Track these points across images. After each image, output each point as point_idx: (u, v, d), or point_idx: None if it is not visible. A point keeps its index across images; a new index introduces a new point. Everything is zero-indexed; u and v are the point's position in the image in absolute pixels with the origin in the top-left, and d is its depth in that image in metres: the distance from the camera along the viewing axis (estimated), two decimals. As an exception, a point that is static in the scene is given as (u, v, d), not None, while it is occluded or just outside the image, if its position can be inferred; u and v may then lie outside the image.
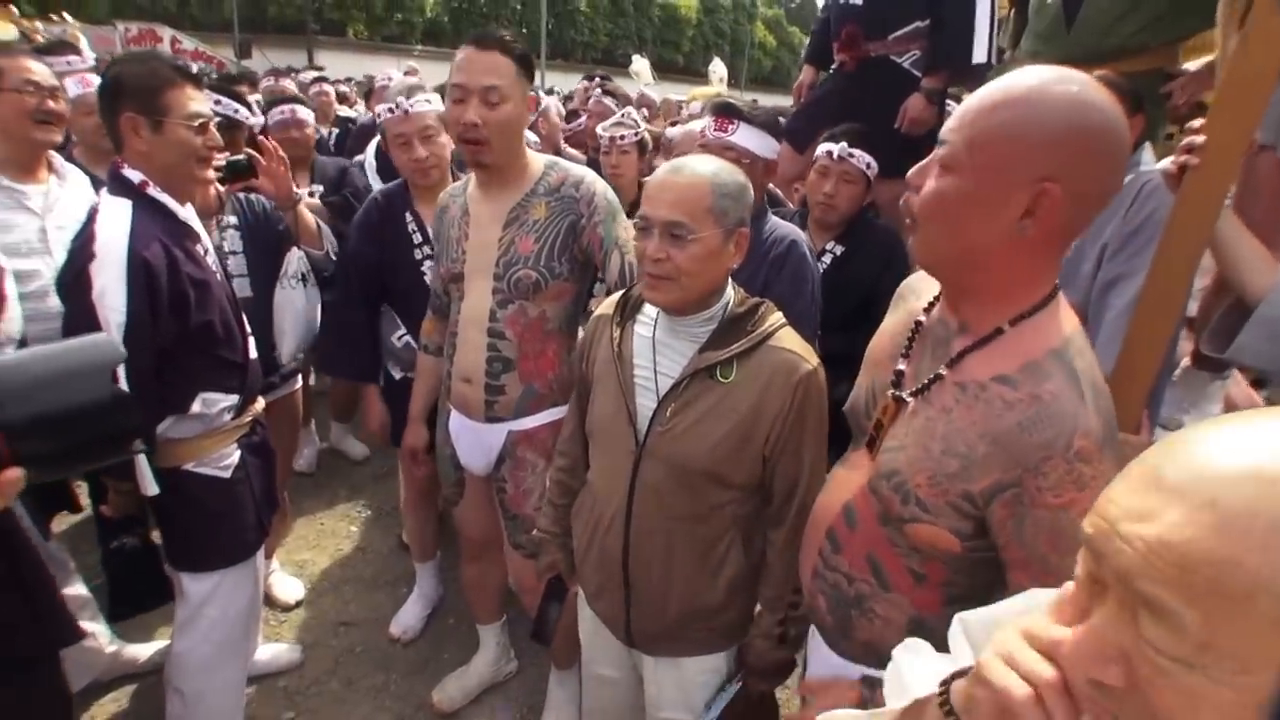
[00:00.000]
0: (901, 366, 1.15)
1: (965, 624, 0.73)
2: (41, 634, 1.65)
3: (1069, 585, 0.56)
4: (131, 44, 16.35)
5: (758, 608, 1.51)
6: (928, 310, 1.18)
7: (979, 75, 2.75)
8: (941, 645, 1.04)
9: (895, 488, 1.07)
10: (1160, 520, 0.48)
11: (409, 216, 2.39)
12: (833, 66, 3.21)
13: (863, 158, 2.31)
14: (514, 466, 1.92)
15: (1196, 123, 1.47)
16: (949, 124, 0.99)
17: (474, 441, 1.95)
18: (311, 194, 3.27)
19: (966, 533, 1.02)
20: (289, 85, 4.37)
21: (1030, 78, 0.93)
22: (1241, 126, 1.40)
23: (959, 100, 2.65)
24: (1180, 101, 2.37)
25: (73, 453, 0.64)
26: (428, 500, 2.69)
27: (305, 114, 3.35)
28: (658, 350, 1.43)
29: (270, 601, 2.72)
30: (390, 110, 2.30)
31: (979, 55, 2.76)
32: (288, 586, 2.83)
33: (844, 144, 2.30)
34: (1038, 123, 0.90)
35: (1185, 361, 2.33)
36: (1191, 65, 2.40)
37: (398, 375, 2.55)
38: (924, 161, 1.02)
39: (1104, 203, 0.97)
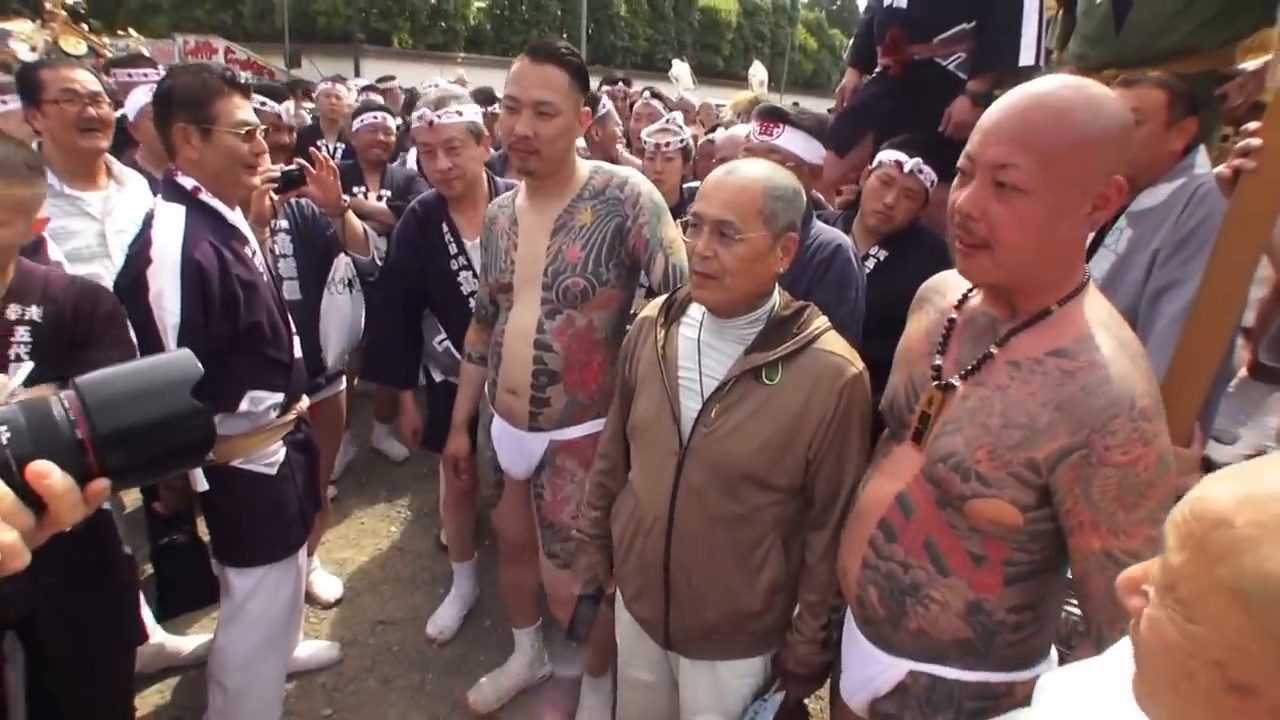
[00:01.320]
0: (939, 361, 1.19)
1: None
2: (123, 633, 1.73)
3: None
4: (189, 56, 16.86)
5: (795, 612, 1.49)
6: (959, 307, 1.22)
7: (1026, 78, 2.68)
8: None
9: (954, 467, 1.10)
10: (1219, 485, 0.54)
11: (445, 227, 2.40)
12: (876, 70, 3.17)
13: (929, 174, 2.27)
14: (553, 474, 1.93)
15: (1252, 125, 1.42)
16: (994, 147, 1.01)
17: (516, 447, 1.96)
18: (380, 197, 3.41)
19: (1028, 503, 1.06)
20: (376, 97, 4.75)
21: (1068, 90, 0.99)
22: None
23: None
24: (1238, 102, 2.29)
25: (153, 463, 0.67)
26: (467, 501, 2.72)
27: (391, 122, 3.57)
28: (703, 352, 1.44)
29: (310, 599, 2.77)
30: (420, 120, 2.32)
31: (1026, 57, 2.70)
32: (327, 584, 2.87)
33: (918, 160, 2.25)
34: (1100, 127, 0.98)
35: (1242, 372, 2.25)
36: (1250, 65, 2.31)
37: (438, 378, 2.59)
38: (973, 191, 1.04)
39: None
